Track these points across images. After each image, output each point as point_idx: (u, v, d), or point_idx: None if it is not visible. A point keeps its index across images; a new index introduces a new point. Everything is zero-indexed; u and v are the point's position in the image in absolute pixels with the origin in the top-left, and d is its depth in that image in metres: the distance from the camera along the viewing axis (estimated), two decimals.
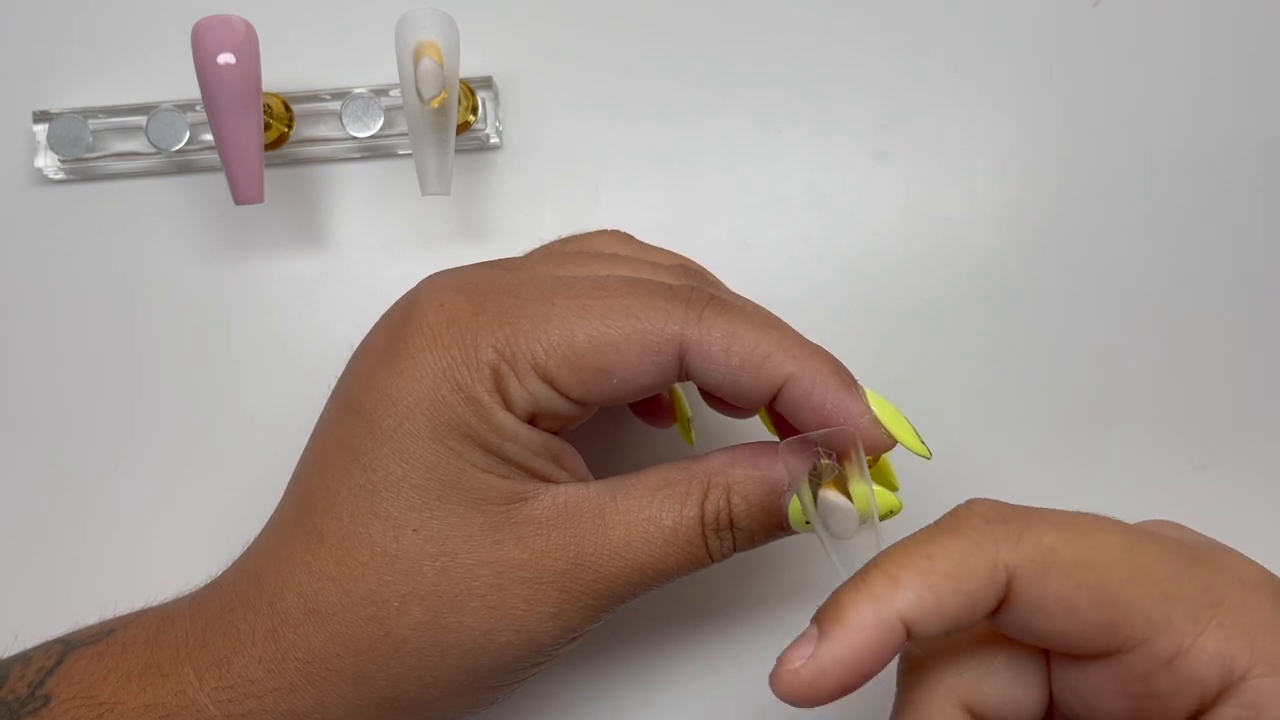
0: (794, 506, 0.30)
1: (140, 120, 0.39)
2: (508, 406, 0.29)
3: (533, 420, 0.29)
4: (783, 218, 0.40)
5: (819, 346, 0.30)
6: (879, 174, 0.40)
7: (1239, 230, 0.40)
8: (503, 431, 0.29)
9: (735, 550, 0.30)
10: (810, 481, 0.28)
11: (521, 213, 0.40)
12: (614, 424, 0.39)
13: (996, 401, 0.39)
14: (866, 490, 0.28)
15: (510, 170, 0.40)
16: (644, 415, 0.36)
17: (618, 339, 0.29)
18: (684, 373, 0.29)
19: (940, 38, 0.41)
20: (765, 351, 0.29)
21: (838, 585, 0.26)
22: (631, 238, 0.35)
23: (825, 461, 0.28)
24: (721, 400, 0.33)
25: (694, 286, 0.30)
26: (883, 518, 0.30)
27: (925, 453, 0.30)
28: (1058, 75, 0.41)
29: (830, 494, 0.28)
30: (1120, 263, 0.40)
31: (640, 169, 0.40)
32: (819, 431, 0.28)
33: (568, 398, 0.29)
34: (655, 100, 0.41)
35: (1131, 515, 0.38)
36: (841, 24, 0.41)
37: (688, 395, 0.36)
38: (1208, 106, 0.40)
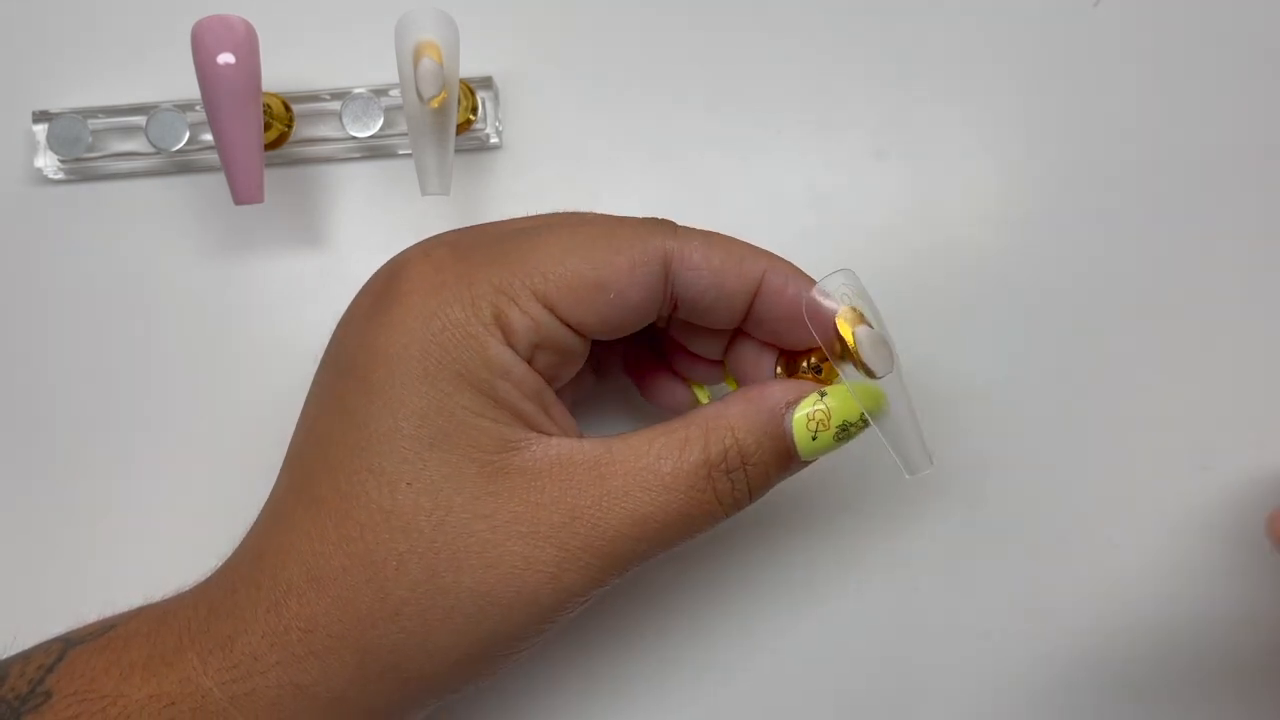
0: (798, 428, 0.30)
1: (140, 120, 0.39)
2: (509, 339, 0.29)
3: (531, 358, 0.30)
4: (783, 217, 0.40)
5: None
6: (879, 174, 0.40)
7: (1239, 230, 0.40)
8: (495, 367, 0.29)
9: (750, 495, 0.30)
10: (839, 332, 0.29)
11: (521, 212, 0.40)
12: (622, 426, 0.39)
13: (996, 401, 0.39)
14: (880, 326, 0.30)
15: (510, 170, 0.40)
16: (659, 398, 0.36)
17: (609, 254, 0.30)
18: (669, 291, 0.31)
19: (940, 37, 0.41)
20: (740, 253, 0.31)
21: (893, 448, 0.30)
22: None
23: (848, 308, 0.29)
24: (688, 350, 0.34)
25: (662, 218, 0.32)
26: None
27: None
28: (1058, 75, 0.41)
29: (864, 330, 0.29)
30: (1120, 262, 0.40)
31: (640, 169, 0.40)
32: (836, 271, 0.30)
33: (567, 324, 0.30)
34: (655, 100, 0.41)
35: (1133, 515, 0.38)
36: (841, 24, 0.41)
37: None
38: (1208, 106, 0.40)
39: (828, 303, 0.30)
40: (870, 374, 0.29)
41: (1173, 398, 0.39)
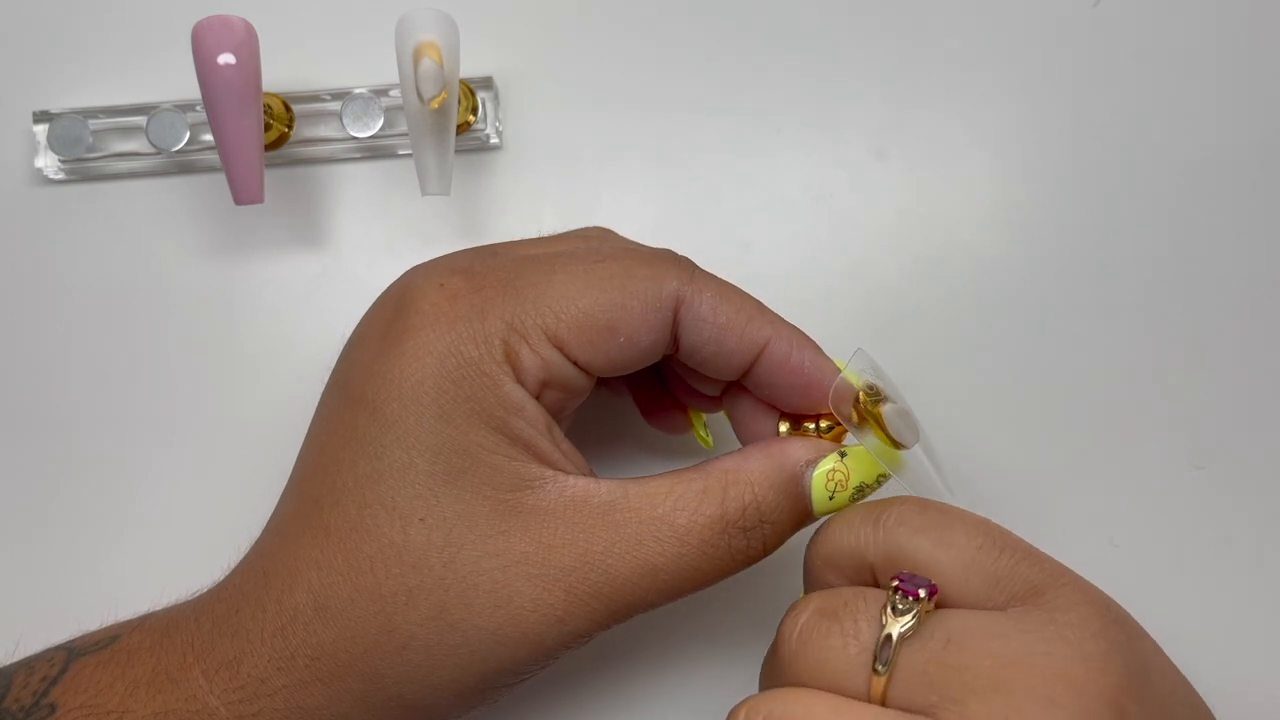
0: (817, 487, 0.30)
1: (140, 120, 0.39)
2: (518, 376, 0.29)
3: (539, 395, 0.29)
4: (783, 218, 0.40)
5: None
6: (879, 174, 0.40)
7: (1239, 230, 0.40)
8: (509, 405, 0.29)
9: (765, 551, 0.30)
10: (862, 409, 0.29)
11: (521, 213, 0.40)
12: (625, 439, 0.39)
13: (996, 402, 0.39)
14: (905, 404, 0.30)
15: (510, 170, 0.40)
16: (659, 421, 0.36)
17: (622, 297, 0.29)
18: (676, 332, 0.30)
19: (940, 37, 0.41)
20: (749, 314, 0.30)
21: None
22: (613, 231, 0.35)
23: (871, 382, 0.29)
24: (691, 386, 0.34)
25: (679, 255, 0.32)
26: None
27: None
28: (1058, 75, 0.41)
29: (891, 408, 0.29)
30: (1120, 262, 0.40)
31: (640, 169, 0.40)
32: (853, 354, 0.30)
33: (576, 364, 0.29)
34: (655, 100, 0.41)
35: (1132, 515, 0.38)
36: (841, 23, 0.41)
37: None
38: (1207, 107, 0.40)
39: (851, 386, 0.30)
40: (899, 446, 0.29)
41: (1169, 398, 0.39)
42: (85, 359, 0.40)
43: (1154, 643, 0.28)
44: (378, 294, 0.33)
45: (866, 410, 0.29)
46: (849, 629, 0.26)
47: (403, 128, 0.39)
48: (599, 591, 0.29)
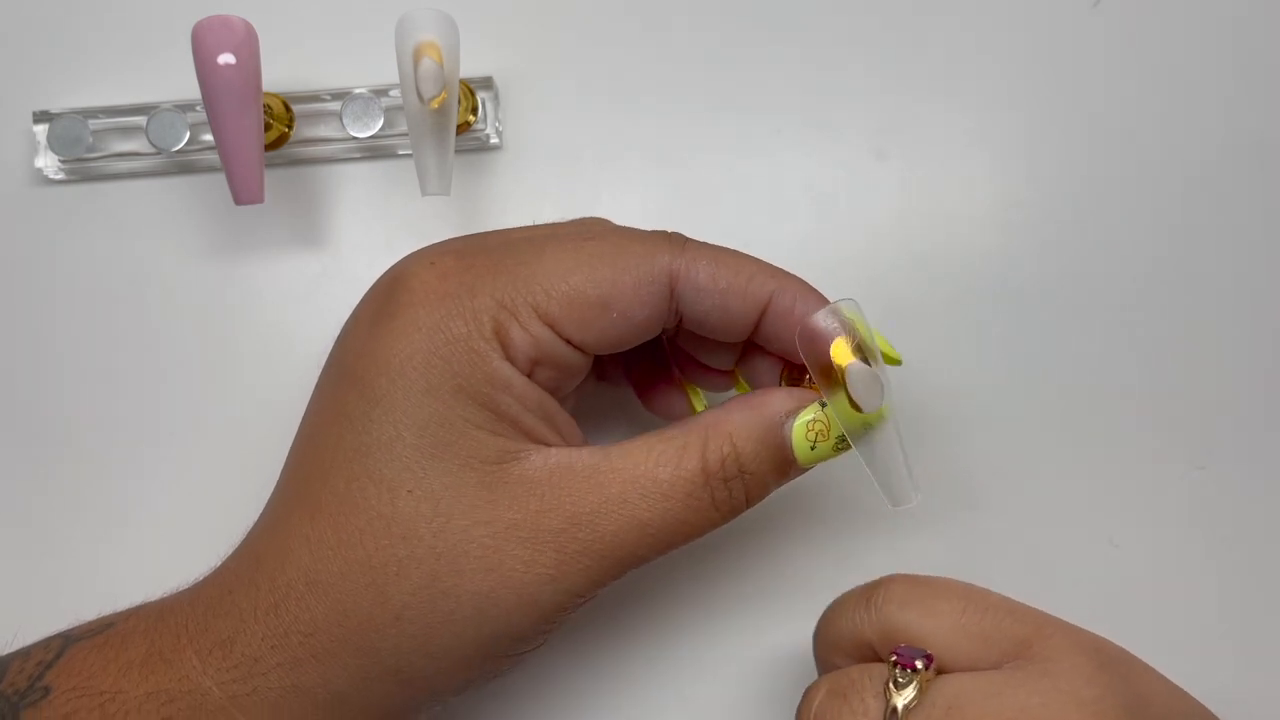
0: (797, 437, 0.30)
1: (140, 120, 0.39)
2: (508, 354, 0.29)
3: (531, 373, 0.30)
4: (783, 218, 0.40)
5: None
6: (879, 174, 0.40)
7: (1239, 229, 0.40)
8: (496, 381, 0.29)
9: (747, 502, 0.31)
10: (831, 359, 0.29)
11: (521, 213, 0.40)
12: (623, 430, 0.39)
13: (996, 401, 0.39)
14: (877, 355, 0.30)
15: (510, 170, 0.40)
16: (659, 407, 0.36)
17: (613, 273, 0.30)
18: (674, 306, 0.30)
19: (940, 37, 0.41)
20: (749, 273, 0.31)
21: (878, 480, 0.30)
22: (610, 220, 0.35)
23: (844, 339, 0.29)
24: (697, 360, 0.34)
25: (672, 232, 0.32)
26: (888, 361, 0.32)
27: (898, 358, 0.33)
28: (1058, 75, 0.41)
29: (856, 365, 0.29)
30: (1120, 262, 0.40)
31: (640, 169, 0.40)
32: (842, 299, 0.30)
33: (569, 342, 0.30)
34: (655, 100, 0.41)
35: (1132, 515, 0.39)
36: (841, 23, 0.41)
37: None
38: (1207, 107, 0.40)
39: (825, 332, 0.29)
40: (857, 409, 0.29)
41: (1170, 397, 0.39)
42: (84, 359, 0.40)
43: (1150, 672, 0.29)
44: None
45: (833, 361, 0.29)
46: (858, 706, 0.28)
47: (403, 128, 0.39)
48: (589, 549, 0.29)
